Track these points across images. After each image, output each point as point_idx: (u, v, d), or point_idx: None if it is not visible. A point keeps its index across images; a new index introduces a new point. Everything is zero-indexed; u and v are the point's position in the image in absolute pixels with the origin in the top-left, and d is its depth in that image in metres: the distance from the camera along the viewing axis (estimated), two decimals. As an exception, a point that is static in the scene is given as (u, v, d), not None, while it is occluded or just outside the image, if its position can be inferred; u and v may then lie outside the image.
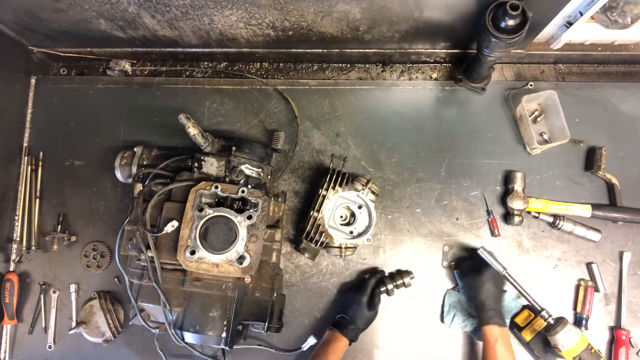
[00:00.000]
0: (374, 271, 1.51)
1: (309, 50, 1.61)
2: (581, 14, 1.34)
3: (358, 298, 1.39)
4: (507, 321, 1.43)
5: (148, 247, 1.23)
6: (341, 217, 1.47)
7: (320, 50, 1.60)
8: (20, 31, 1.55)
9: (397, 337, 1.48)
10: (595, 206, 1.47)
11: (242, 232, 1.23)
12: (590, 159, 1.52)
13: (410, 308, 1.49)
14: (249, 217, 1.24)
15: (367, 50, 1.59)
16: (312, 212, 1.40)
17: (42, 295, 1.56)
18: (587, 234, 1.47)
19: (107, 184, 1.60)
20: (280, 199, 1.42)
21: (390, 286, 1.42)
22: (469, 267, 1.45)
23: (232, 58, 1.69)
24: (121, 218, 1.52)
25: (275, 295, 1.34)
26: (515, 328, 1.43)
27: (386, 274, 1.50)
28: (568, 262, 1.50)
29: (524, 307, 1.45)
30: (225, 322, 1.23)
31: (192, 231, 1.21)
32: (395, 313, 1.49)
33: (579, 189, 1.53)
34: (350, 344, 1.36)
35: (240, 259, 1.21)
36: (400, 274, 1.47)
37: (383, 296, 1.45)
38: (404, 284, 1.44)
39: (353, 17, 1.36)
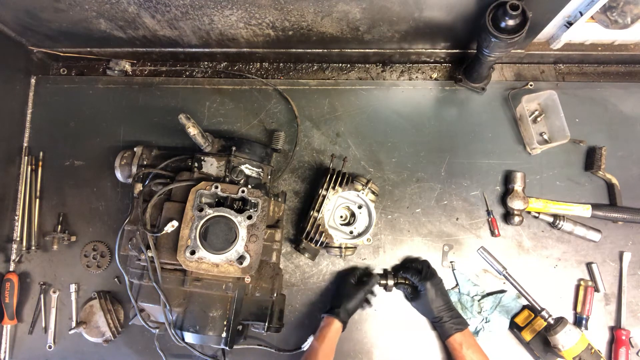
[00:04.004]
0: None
1: (309, 50, 1.61)
2: (581, 14, 1.34)
3: (346, 278, 1.43)
4: (508, 320, 1.44)
5: (148, 247, 1.22)
6: (341, 217, 1.47)
7: (320, 50, 1.60)
8: (20, 31, 1.55)
9: (397, 337, 1.48)
10: (595, 206, 1.47)
11: (242, 232, 1.23)
12: (590, 159, 1.52)
13: (410, 308, 1.48)
14: (249, 217, 1.24)
15: (367, 50, 1.59)
16: (312, 212, 1.40)
17: (42, 295, 1.55)
18: (587, 234, 1.47)
19: (107, 184, 1.60)
20: (280, 199, 1.42)
21: (391, 282, 1.42)
22: (410, 291, 1.45)
23: (232, 58, 1.69)
24: (121, 218, 1.53)
25: (275, 295, 1.34)
26: (515, 328, 1.43)
27: (389, 270, 1.51)
28: (568, 262, 1.50)
29: (524, 307, 1.45)
30: (225, 322, 1.23)
31: (192, 231, 1.21)
32: (395, 313, 1.49)
33: (579, 189, 1.53)
34: (344, 329, 1.36)
35: (240, 259, 1.21)
36: (395, 276, 1.46)
37: (383, 295, 1.45)
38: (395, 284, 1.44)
39: (353, 17, 1.36)
